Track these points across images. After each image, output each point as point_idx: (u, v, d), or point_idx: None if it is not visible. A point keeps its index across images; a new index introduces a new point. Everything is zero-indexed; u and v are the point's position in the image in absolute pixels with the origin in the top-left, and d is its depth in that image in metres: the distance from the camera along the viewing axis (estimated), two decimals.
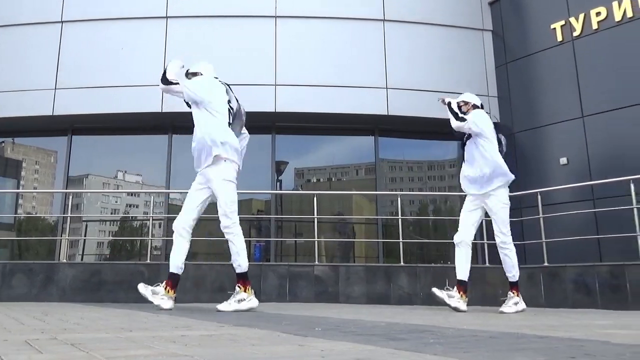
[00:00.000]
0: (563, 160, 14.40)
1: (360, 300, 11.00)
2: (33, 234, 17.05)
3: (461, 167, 8.71)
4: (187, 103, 7.75)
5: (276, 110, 14.96)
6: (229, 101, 7.76)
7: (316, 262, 11.74)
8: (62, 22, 15.79)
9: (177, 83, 7.56)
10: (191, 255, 7.51)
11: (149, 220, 14.96)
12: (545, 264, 11.02)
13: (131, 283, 10.73)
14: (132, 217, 18.15)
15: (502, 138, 8.55)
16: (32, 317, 5.61)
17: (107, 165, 17.22)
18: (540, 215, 11.46)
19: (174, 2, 15.72)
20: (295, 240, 16.25)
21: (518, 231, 12.69)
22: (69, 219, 13.63)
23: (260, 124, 15.20)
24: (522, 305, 8.12)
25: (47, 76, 15.34)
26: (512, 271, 8.28)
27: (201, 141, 7.43)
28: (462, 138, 8.71)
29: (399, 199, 13.38)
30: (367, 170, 17.01)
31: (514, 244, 8.45)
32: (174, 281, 7.45)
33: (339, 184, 17.64)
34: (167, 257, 7.58)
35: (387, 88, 15.36)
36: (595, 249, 12.79)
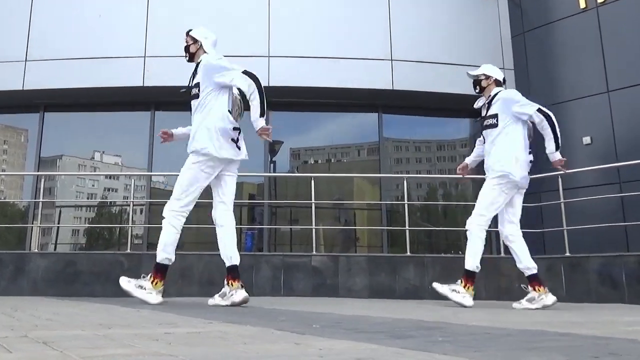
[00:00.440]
0: (586, 140, 14.38)
1: (362, 293, 11.00)
2: (1, 221, 16.99)
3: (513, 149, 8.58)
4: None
5: (269, 84, 14.84)
6: None
7: (314, 252, 11.69)
8: None
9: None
10: (178, 246, 7.49)
11: (129, 205, 14.97)
12: (567, 254, 11.01)
13: (109, 275, 10.78)
14: (110, 202, 18.15)
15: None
16: (1, 312, 5.62)
17: (83, 145, 17.20)
18: (562, 200, 11.45)
19: None
20: (291, 228, 16.25)
21: (537, 217, 12.76)
22: (40, 204, 13.66)
23: None
24: (541, 301, 8.03)
25: (17, 47, 15.29)
26: (469, 261, 8.29)
27: None
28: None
29: (405, 182, 13.28)
30: (370, 150, 17.01)
31: (522, 232, 8.46)
32: (160, 272, 7.46)
33: (339, 166, 17.65)
34: (149, 246, 7.59)
35: (391, 60, 15.33)
36: (622, 238, 12.77)
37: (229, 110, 7.53)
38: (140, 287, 7.24)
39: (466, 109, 9.72)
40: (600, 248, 11.20)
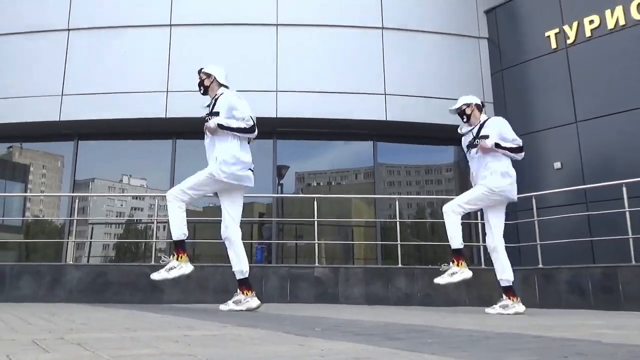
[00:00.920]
0: (557, 165, 14.43)
1: (359, 301, 11.00)
2: (40, 237, 17.03)
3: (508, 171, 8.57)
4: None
5: (277, 116, 14.96)
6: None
7: (316, 264, 11.73)
8: (68, 29, 15.79)
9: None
10: (195, 258, 7.51)
11: (153, 223, 14.98)
12: (540, 265, 11.04)
13: (136, 284, 10.79)
14: (136, 220, 18.15)
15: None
16: (39, 317, 5.62)
17: (112, 169, 17.24)
18: (535, 218, 11.48)
19: (177, 10, 15.72)
20: (296, 243, 16.25)
21: (513, 233, 12.75)
22: (75, 221, 13.66)
23: (261, 129, 15.07)
24: (514, 308, 8.00)
25: (54, 83, 15.34)
26: (450, 241, 8.26)
27: None
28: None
29: (397, 202, 13.30)
30: (366, 174, 17.02)
31: (508, 247, 8.43)
32: (181, 246, 7.52)
33: (338, 188, 17.65)
34: None
35: (385, 94, 15.37)
36: (589, 251, 12.78)
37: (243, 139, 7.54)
38: (171, 268, 7.22)
39: (451, 138, 9.75)
40: (570, 260, 11.23)
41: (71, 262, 13.78)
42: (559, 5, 15.08)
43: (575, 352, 2.79)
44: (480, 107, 8.73)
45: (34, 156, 17.74)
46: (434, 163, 17.70)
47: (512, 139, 8.40)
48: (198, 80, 8.12)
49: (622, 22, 13.86)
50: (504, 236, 8.43)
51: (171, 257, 7.32)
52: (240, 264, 7.55)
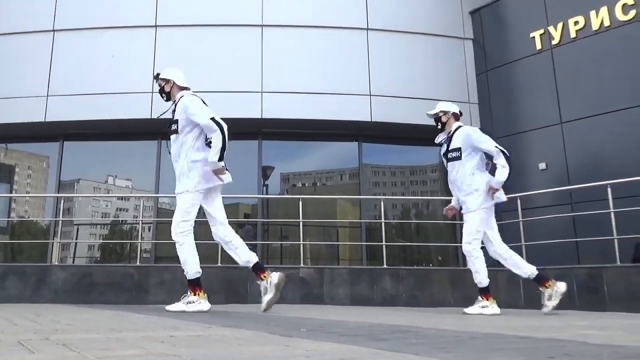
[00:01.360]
0: (542, 166, 14.48)
1: (344, 301, 11.00)
2: (26, 237, 17.01)
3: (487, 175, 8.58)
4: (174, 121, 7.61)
5: (262, 117, 14.99)
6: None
7: (301, 265, 11.73)
8: (53, 30, 15.80)
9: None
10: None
11: (138, 224, 14.99)
12: None
13: (121, 285, 10.78)
14: (122, 220, 18.13)
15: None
16: (25, 318, 5.61)
17: (97, 170, 17.21)
18: (520, 219, 11.49)
19: (163, 11, 15.74)
20: (281, 244, 16.27)
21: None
22: (60, 222, 13.64)
23: (246, 129, 15.23)
24: (492, 309, 8.04)
25: (40, 84, 15.34)
26: (477, 277, 8.22)
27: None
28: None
29: (382, 203, 13.33)
30: (351, 175, 17.04)
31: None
32: (195, 284, 7.38)
33: (323, 189, 17.66)
34: (156, 260, 7.59)
35: (370, 95, 15.42)
36: (574, 252, 12.82)
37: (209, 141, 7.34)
38: (189, 302, 7.13)
39: (434, 135, 9.76)
40: (555, 261, 11.22)
41: (56, 263, 13.80)
42: (543, 6, 15.15)
43: (563, 353, 2.80)
44: (457, 116, 8.73)
45: (19, 157, 17.69)
46: (419, 164, 17.73)
47: (495, 147, 8.35)
48: (158, 88, 7.95)
49: (607, 23, 13.93)
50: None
51: (188, 293, 7.21)
52: (245, 255, 7.54)
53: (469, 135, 8.44)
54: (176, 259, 7.43)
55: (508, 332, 4.18)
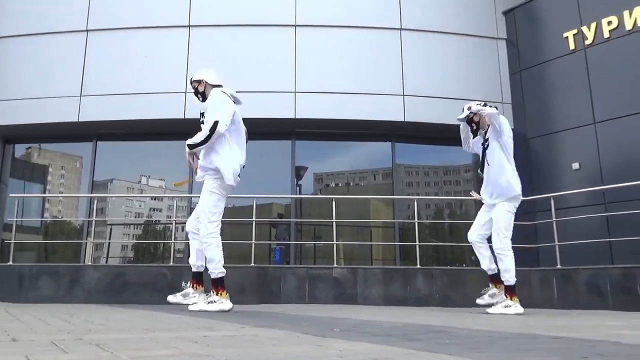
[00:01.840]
0: (575, 166, 14.41)
1: (377, 301, 10.97)
2: (59, 238, 17.10)
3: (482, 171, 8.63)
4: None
5: (296, 117, 15.01)
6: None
7: (335, 265, 11.69)
8: (87, 30, 15.88)
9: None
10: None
11: (171, 223, 15.03)
12: (558, 266, 10.96)
13: (155, 285, 10.82)
14: (155, 220, 18.19)
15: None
16: (58, 318, 5.63)
17: (131, 170, 17.29)
18: (554, 219, 11.40)
19: (196, 11, 15.79)
20: (315, 243, 16.25)
21: (531, 234, 12.73)
22: (94, 222, 13.70)
23: (280, 129, 15.27)
24: (515, 309, 8.03)
25: (73, 84, 15.43)
26: (505, 275, 8.20)
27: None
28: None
29: (415, 203, 13.33)
30: (385, 175, 17.03)
31: (515, 248, 8.37)
32: (198, 279, 7.65)
33: (357, 189, 17.67)
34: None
35: (403, 95, 15.39)
36: (607, 252, 12.74)
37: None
38: (211, 302, 7.17)
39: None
40: (588, 261, 11.15)
41: (90, 263, 13.87)
42: (577, 6, 15.07)
43: (595, 353, 2.78)
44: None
45: (52, 157, 17.81)
46: (452, 164, 17.67)
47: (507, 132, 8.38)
48: (193, 91, 8.08)
49: None
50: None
51: (211, 292, 7.26)
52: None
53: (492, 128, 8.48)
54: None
55: (541, 332, 4.16)
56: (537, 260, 13.13)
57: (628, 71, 13.96)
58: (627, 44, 14.09)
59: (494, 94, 15.67)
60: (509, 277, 8.14)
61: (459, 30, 16.35)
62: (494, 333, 4.09)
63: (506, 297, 8.17)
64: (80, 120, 15.29)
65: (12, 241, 12.04)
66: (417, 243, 12.00)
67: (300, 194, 16.40)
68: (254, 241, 11.64)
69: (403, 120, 15.34)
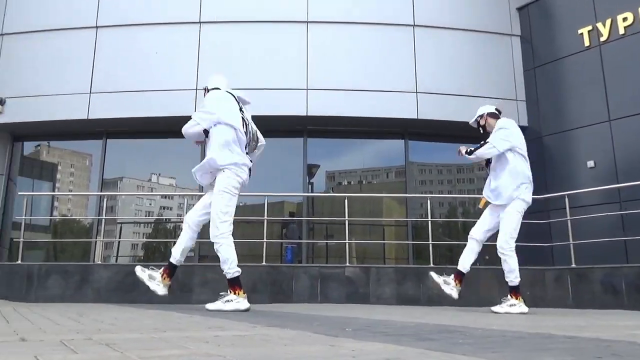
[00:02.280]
0: (590, 164, 14.36)
1: (390, 301, 10.98)
2: (68, 236, 17.15)
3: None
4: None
5: (308, 114, 14.99)
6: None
7: (347, 264, 11.69)
8: (96, 27, 15.90)
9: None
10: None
11: (182, 222, 15.05)
12: (573, 265, 10.96)
13: None
14: (165, 219, 18.22)
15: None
16: (67, 317, 5.63)
17: (141, 168, 17.33)
18: (568, 217, 11.40)
19: (207, 7, 15.79)
20: (327, 242, 16.29)
21: (546, 233, 12.71)
22: (103, 221, 13.76)
23: (292, 127, 15.26)
24: (520, 308, 8.08)
25: (82, 81, 15.44)
26: (510, 276, 8.22)
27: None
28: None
29: (428, 201, 13.25)
30: (397, 173, 17.02)
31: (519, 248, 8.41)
32: (171, 270, 7.63)
33: (369, 187, 17.69)
34: (200, 259, 7.64)
35: (416, 92, 15.37)
36: (622, 251, 12.73)
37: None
38: (228, 301, 7.16)
39: (483, 136, 9.69)
40: (603, 260, 11.16)
41: (99, 262, 13.88)
42: (592, 2, 15.04)
43: (610, 353, 2.77)
44: (495, 115, 8.74)
45: (62, 155, 17.85)
46: (465, 162, 17.62)
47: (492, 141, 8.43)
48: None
49: None
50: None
51: (228, 291, 7.25)
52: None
53: (495, 128, 8.55)
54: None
55: (555, 332, 4.14)
56: (551, 259, 13.13)
57: None
58: None
59: (507, 91, 15.69)
60: (514, 277, 8.21)
61: (473, 26, 16.33)
62: (508, 332, 4.08)
63: (511, 297, 8.21)
64: (89, 117, 15.30)
65: (21, 240, 12.07)
66: (430, 242, 12.02)
67: (312, 192, 16.39)
68: (265, 240, 11.66)
69: (416, 117, 15.31)
